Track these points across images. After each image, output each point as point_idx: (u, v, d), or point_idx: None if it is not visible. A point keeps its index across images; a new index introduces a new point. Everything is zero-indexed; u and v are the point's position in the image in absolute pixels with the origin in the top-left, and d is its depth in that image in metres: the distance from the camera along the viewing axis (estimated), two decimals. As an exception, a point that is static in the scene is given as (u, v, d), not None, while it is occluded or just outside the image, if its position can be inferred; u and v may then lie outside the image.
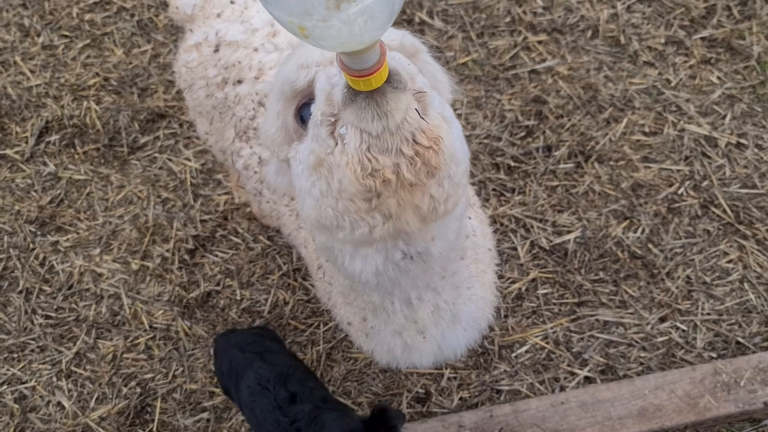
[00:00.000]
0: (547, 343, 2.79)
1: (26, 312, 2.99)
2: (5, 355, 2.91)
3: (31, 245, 3.15)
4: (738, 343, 2.76)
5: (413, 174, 1.08)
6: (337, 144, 1.08)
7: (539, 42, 3.56)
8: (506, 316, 2.85)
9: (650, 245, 2.97)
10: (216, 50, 2.08)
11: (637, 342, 2.78)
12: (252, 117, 1.97)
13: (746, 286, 2.88)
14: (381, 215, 1.16)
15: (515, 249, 2.99)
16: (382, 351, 1.80)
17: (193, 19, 2.25)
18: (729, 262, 2.93)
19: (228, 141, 2.11)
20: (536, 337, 2.80)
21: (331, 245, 1.34)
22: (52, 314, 2.98)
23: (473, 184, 3.10)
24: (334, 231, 1.22)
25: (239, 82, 2.01)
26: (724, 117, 3.29)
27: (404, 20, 3.66)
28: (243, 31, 2.04)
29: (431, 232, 1.29)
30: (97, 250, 3.11)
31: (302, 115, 1.24)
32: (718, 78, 3.41)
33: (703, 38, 3.54)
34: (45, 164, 3.38)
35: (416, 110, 1.06)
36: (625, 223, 3.03)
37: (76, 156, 3.40)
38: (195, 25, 2.21)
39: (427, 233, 1.28)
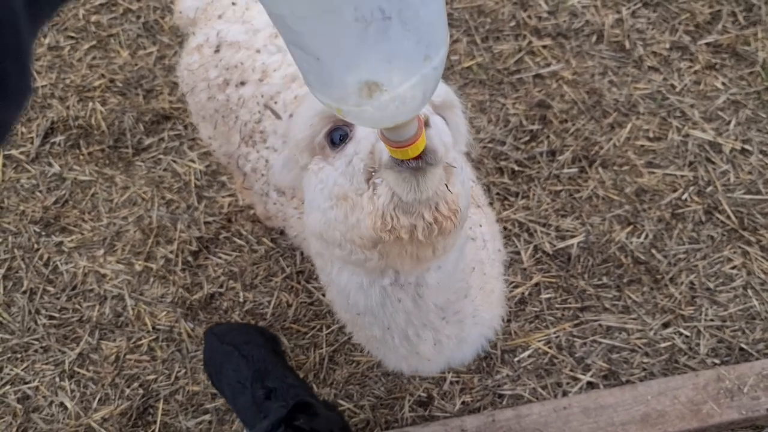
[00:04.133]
0: (549, 347, 2.79)
1: (30, 312, 3.00)
2: (9, 355, 2.91)
3: (36, 245, 3.16)
4: (741, 349, 2.75)
5: (426, 236, 1.16)
6: (368, 189, 1.15)
7: (544, 46, 3.56)
8: (509, 321, 2.85)
9: (654, 251, 2.97)
10: (217, 51, 2.07)
11: (640, 347, 2.77)
12: (258, 120, 1.97)
13: (750, 292, 2.87)
14: (379, 255, 1.24)
15: (519, 253, 2.98)
16: (390, 364, 1.85)
17: (196, 23, 2.25)
18: (733, 268, 2.93)
19: (234, 146, 2.10)
20: (539, 341, 2.80)
21: (323, 253, 1.41)
22: (56, 315, 2.99)
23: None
24: (332, 247, 1.29)
25: (242, 83, 2.01)
26: (728, 123, 3.29)
27: (409, 24, 3.67)
28: (244, 31, 2.04)
29: (427, 266, 1.36)
30: (101, 251, 3.12)
31: (332, 137, 1.28)
32: (723, 84, 3.41)
33: (708, 44, 3.53)
34: (50, 165, 3.39)
35: (445, 185, 1.14)
36: (628, 229, 3.03)
37: (81, 157, 3.41)
38: (197, 28, 2.22)
39: (421, 269, 1.36)
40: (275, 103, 1.92)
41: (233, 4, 2.14)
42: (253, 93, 1.98)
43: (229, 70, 2.03)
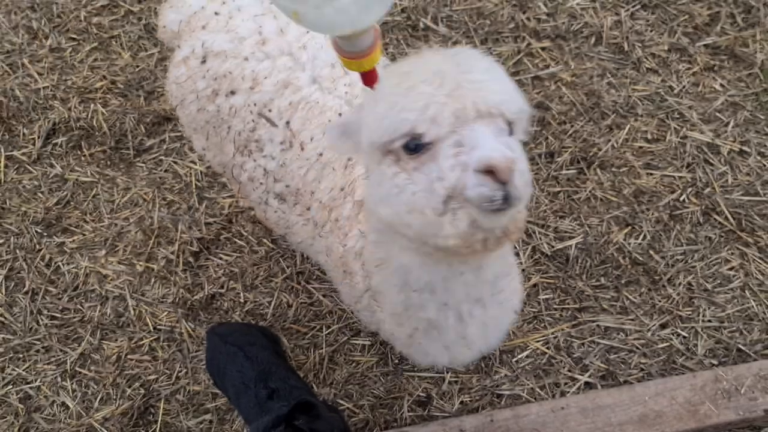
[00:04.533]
0: (548, 348, 2.80)
1: (32, 312, 3.02)
2: (10, 355, 2.93)
3: (38, 246, 3.18)
4: (739, 350, 2.76)
5: (495, 246, 1.28)
6: (447, 213, 1.23)
7: (543, 48, 3.58)
8: (508, 321, 2.87)
9: (652, 252, 2.98)
10: (203, 61, 2.06)
11: (637, 348, 2.79)
12: (252, 129, 1.95)
13: (747, 293, 2.89)
14: (446, 254, 1.34)
15: (517, 254, 3.00)
16: (427, 359, 1.88)
17: (180, 35, 2.23)
18: (730, 269, 2.94)
19: (228, 156, 2.08)
20: (537, 342, 2.82)
21: (384, 232, 1.50)
22: (58, 315, 3.01)
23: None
24: (400, 237, 1.38)
25: (232, 93, 1.99)
26: (726, 124, 3.30)
27: (409, 26, 3.69)
28: (230, 40, 2.03)
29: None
30: (103, 252, 3.14)
31: (408, 144, 1.29)
32: (721, 85, 3.42)
33: (706, 45, 3.55)
34: (52, 166, 3.41)
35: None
36: (626, 230, 3.04)
37: (83, 158, 3.43)
38: (182, 40, 2.19)
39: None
40: (269, 110, 1.92)
41: (216, 14, 2.12)
42: (244, 102, 1.96)
43: (218, 80, 2.01)
